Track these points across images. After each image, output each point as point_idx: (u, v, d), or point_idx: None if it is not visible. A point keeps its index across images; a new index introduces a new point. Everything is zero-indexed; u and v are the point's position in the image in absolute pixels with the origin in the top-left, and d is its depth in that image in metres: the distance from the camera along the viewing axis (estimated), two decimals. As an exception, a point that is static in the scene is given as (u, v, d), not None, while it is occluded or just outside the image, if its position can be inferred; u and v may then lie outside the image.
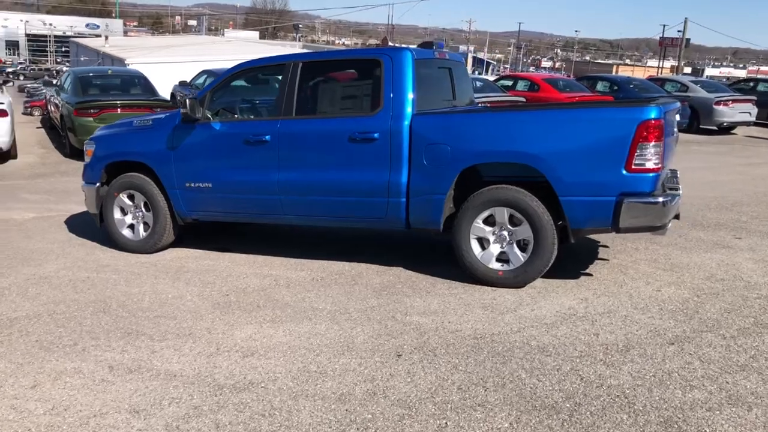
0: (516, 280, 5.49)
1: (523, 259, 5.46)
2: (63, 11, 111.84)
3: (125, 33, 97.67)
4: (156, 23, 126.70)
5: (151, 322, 4.83)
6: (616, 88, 18.23)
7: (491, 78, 21.87)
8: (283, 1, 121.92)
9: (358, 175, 5.83)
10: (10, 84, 17.44)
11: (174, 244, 6.92)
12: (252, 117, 6.52)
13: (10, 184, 10.76)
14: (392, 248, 6.85)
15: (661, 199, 5.10)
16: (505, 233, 5.52)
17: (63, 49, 72.36)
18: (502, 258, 5.56)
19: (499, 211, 5.49)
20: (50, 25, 77.34)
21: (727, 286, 5.58)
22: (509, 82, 18.59)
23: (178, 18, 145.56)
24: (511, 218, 5.47)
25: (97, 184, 6.97)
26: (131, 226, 6.88)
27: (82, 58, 46.18)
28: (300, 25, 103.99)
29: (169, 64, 28.93)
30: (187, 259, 6.55)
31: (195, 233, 7.17)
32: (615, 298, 5.25)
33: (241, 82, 6.90)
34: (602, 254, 6.62)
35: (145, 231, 6.80)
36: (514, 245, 5.50)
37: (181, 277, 5.95)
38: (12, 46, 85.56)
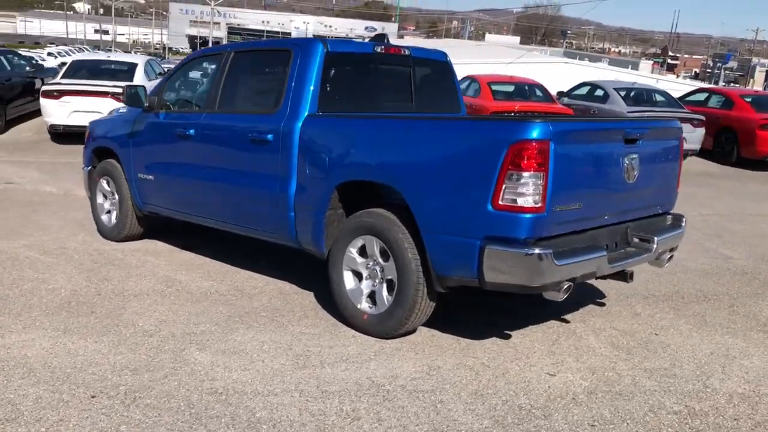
0: (378, 328, 4.40)
1: (387, 304, 4.36)
2: (350, 15, 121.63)
3: (401, 36, 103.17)
4: (431, 28, 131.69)
5: (-32, 312, 4.66)
6: None
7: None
8: (555, 6, 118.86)
9: (253, 181, 5.14)
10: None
11: (156, 236, 6.76)
12: (189, 109, 6.09)
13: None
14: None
15: (536, 251, 3.69)
16: (378, 269, 4.45)
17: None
18: (373, 298, 4.50)
19: (369, 241, 4.44)
20: (330, 26, 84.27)
21: (666, 387, 3.90)
22: (702, 97, 15.78)
23: (455, 22, 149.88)
24: (384, 251, 4.39)
25: (89, 168, 7.08)
26: (109, 212, 6.87)
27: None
28: (568, 32, 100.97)
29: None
30: (135, 252, 6.35)
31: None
32: (472, 375, 3.93)
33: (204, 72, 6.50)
34: (580, 313, 5.13)
35: (115, 219, 6.75)
36: (384, 285, 4.41)
37: (97, 270, 5.75)
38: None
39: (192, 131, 5.61)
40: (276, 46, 5.45)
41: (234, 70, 5.53)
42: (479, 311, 5.02)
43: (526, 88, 14.30)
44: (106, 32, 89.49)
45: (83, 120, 12.05)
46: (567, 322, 4.95)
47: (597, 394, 3.76)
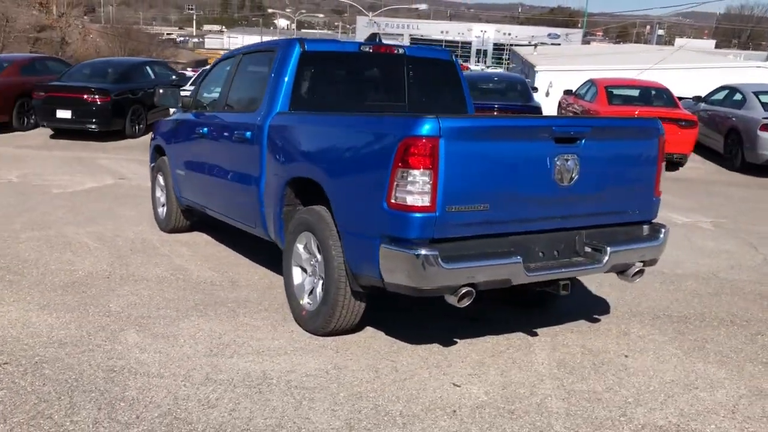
0: (311, 324, 4.40)
1: (319, 301, 4.34)
2: (534, 22, 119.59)
3: (587, 42, 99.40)
4: (621, 33, 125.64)
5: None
6: None
7: None
8: (763, 6, 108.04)
9: (238, 176, 5.35)
10: None
11: (206, 229, 7.17)
12: (209, 109, 6.37)
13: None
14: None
15: (422, 252, 3.50)
16: (317, 266, 4.44)
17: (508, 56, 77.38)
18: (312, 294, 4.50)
19: (307, 237, 4.45)
20: (508, 34, 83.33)
21: (573, 411, 3.52)
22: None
23: (648, 27, 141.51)
24: (319, 248, 4.37)
25: (152, 164, 7.68)
26: (164, 205, 7.40)
27: (511, 65, 51.98)
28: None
29: (566, 72, 29.03)
30: (174, 243, 6.79)
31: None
32: (371, 377, 3.80)
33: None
34: (561, 327, 4.77)
35: (165, 212, 7.27)
36: (321, 281, 4.39)
37: (126, 256, 6.22)
38: (480, 53, 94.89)
39: (205, 129, 5.94)
40: (267, 47, 5.61)
41: (239, 71, 5.78)
42: (447, 316, 4.83)
43: (653, 92, 13.29)
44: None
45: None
46: (536, 334, 4.61)
47: (484, 410, 3.48)
